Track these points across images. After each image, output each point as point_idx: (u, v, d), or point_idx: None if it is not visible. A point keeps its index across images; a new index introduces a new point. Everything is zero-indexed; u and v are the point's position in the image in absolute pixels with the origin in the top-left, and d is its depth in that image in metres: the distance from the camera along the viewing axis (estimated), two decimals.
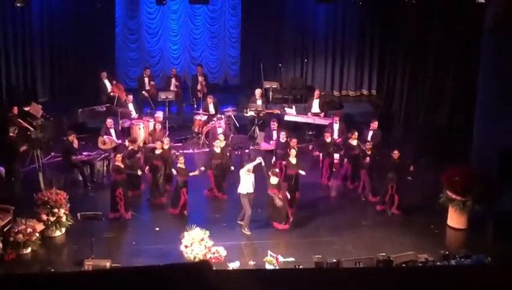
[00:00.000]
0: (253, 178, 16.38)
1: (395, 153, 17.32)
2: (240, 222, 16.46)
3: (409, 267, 13.13)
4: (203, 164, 18.16)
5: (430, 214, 17.21)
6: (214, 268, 6.02)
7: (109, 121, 20.02)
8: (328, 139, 19.31)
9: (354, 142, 18.91)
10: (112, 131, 19.92)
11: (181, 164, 17.04)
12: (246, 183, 16.28)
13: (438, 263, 13.49)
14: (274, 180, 16.36)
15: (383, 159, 17.90)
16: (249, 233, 16.27)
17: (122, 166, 16.86)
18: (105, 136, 19.75)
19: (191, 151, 19.74)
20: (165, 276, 5.67)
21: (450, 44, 20.27)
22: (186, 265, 11.92)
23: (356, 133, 19.06)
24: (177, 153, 17.98)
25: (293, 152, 17.36)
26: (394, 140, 21.32)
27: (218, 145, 18.06)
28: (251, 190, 16.31)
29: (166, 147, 18.27)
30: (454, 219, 16.81)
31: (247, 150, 19.79)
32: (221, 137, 18.75)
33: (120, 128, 20.66)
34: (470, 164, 17.64)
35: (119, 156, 16.97)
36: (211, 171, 17.90)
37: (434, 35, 20.98)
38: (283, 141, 18.92)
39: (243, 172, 16.39)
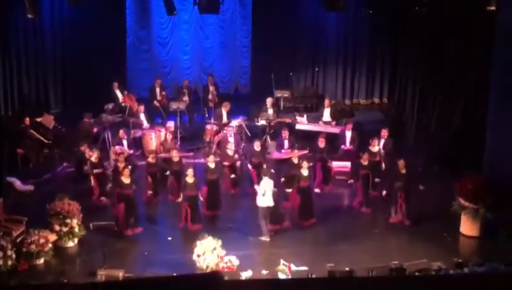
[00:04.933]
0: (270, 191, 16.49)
1: (400, 162, 17.25)
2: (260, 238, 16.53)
3: (422, 275, 13.10)
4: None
5: (443, 221, 17.14)
6: (226, 278, 6.04)
7: (121, 132, 20.11)
8: (322, 145, 19.31)
9: (376, 149, 18.98)
10: (124, 142, 20.00)
11: (190, 177, 16.97)
12: (261, 196, 16.45)
13: (451, 271, 13.40)
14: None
15: (393, 169, 17.80)
16: (268, 239, 16.39)
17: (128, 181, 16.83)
18: (117, 147, 19.83)
19: (202, 160, 19.71)
20: (177, 286, 5.69)
21: (462, 51, 20.20)
22: (199, 275, 11.97)
23: (376, 140, 19.07)
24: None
25: (304, 164, 17.33)
26: (406, 148, 21.26)
27: (213, 160, 17.92)
28: (268, 204, 16.46)
29: (176, 159, 18.35)
30: (467, 227, 16.74)
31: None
32: (231, 146, 18.82)
33: (132, 138, 20.72)
34: (482, 171, 17.56)
35: (126, 171, 16.92)
36: (205, 187, 17.58)
37: (446, 42, 20.93)
38: (258, 150, 19.00)
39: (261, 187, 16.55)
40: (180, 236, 16.70)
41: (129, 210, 16.57)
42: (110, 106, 22.61)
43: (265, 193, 16.44)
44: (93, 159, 18.29)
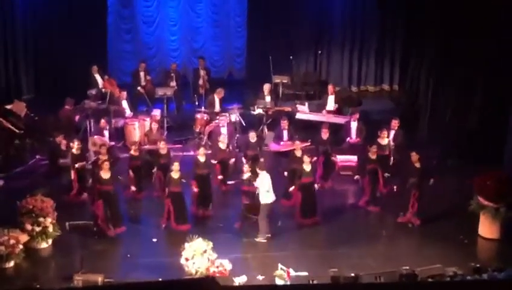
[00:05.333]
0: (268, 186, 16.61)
1: (413, 155, 17.30)
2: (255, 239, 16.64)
3: (435, 282, 13.15)
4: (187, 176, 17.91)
5: (459, 222, 17.20)
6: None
7: (103, 121, 20.14)
8: (325, 136, 19.39)
9: (385, 141, 19.04)
10: (106, 133, 20.03)
11: (175, 172, 16.98)
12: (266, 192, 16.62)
13: (468, 277, 13.46)
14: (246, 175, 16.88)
15: (405, 163, 17.85)
16: (265, 240, 16.53)
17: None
18: (95, 136, 19.85)
19: (192, 153, 19.77)
20: None
21: (480, 33, 20.23)
22: (189, 281, 11.99)
23: (386, 132, 19.12)
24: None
25: (306, 159, 17.39)
26: (418, 141, 21.31)
27: (203, 153, 17.99)
28: (272, 199, 16.66)
29: (163, 152, 18.40)
30: (486, 228, 16.80)
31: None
32: (223, 138, 18.87)
33: (113, 128, 20.75)
34: (502, 166, 17.62)
35: (106, 164, 16.93)
36: (194, 183, 17.66)
37: (463, 24, 20.94)
38: (253, 141, 19.10)
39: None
40: (167, 237, 16.73)
41: (109, 208, 16.59)
42: (94, 91, 22.62)
43: (268, 189, 16.57)
44: (74, 150, 18.24)
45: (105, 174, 16.74)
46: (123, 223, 16.88)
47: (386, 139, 19.15)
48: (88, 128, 21.12)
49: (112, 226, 16.58)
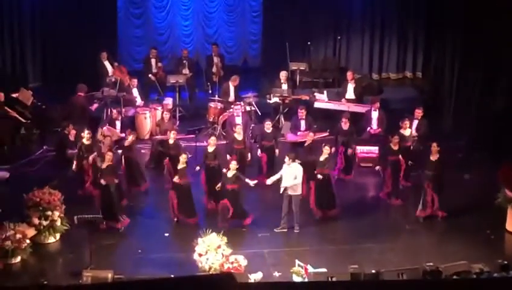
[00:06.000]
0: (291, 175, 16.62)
1: (434, 146, 17.21)
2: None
3: (461, 279, 13.09)
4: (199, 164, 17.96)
5: (486, 217, 17.15)
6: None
7: (115, 112, 20.13)
8: (346, 126, 19.35)
9: (407, 132, 18.99)
10: (118, 123, 20.02)
11: (181, 163, 16.96)
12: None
13: (495, 275, 13.40)
14: (231, 173, 16.71)
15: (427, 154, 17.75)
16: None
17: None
18: (105, 127, 19.84)
19: (205, 144, 19.77)
20: None
21: (507, 16, 20.08)
22: (204, 278, 11.98)
23: (408, 122, 19.05)
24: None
25: (326, 149, 17.31)
26: (443, 131, 21.22)
27: (213, 143, 17.93)
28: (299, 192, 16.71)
29: (171, 141, 18.42)
30: None
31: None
32: (239, 129, 18.83)
33: (125, 118, 20.72)
34: None
35: (109, 155, 16.89)
36: (203, 175, 17.73)
37: (488, 6, 20.79)
38: (268, 132, 19.08)
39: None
40: (179, 232, 16.74)
41: (108, 200, 16.61)
42: (113, 78, 22.59)
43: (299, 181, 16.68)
44: (84, 140, 18.16)
45: (106, 165, 16.74)
46: (132, 217, 16.88)
47: (409, 129, 19.05)
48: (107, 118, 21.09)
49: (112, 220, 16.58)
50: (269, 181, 17.01)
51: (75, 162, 18.02)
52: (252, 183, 16.88)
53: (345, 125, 19.40)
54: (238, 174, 16.73)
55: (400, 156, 18.04)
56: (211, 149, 17.83)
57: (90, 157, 17.83)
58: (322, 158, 17.32)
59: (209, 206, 17.63)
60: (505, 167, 16.80)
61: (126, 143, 18.46)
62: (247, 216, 16.84)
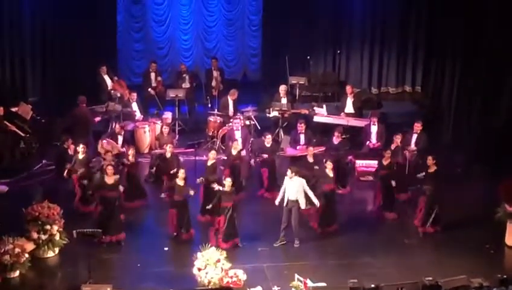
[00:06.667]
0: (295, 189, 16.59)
1: (429, 160, 17.23)
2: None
3: None
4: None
5: (485, 231, 17.15)
6: None
7: (118, 127, 20.15)
8: (336, 141, 19.47)
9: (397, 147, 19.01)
10: (120, 138, 20.04)
11: (180, 179, 16.89)
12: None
13: (495, 289, 13.41)
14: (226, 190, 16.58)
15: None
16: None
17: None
18: (104, 140, 19.86)
19: (204, 158, 19.79)
20: None
21: (507, 31, 20.16)
22: None
23: (400, 136, 19.18)
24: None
25: (329, 164, 17.33)
26: (442, 145, 21.25)
27: (212, 157, 17.94)
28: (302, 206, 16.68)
29: (168, 155, 18.49)
30: None
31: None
32: (236, 144, 18.89)
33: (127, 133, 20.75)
34: None
35: (110, 169, 16.87)
36: (202, 188, 17.67)
37: (488, 22, 20.87)
38: (268, 146, 19.16)
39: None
40: (178, 246, 16.72)
41: (110, 215, 16.61)
42: (118, 93, 22.63)
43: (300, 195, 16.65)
44: (79, 155, 18.24)
45: (109, 180, 16.75)
46: (131, 232, 16.87)
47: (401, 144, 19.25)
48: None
49: (111, 234, 16.57)
50: (277, 202, 16.90)
51: (65, 171, 18.16)
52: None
53: (336, 139, 19.48)
54: (232, 190, 16.71)
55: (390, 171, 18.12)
56: (209, 163, 17.85)
57: (79, 172, 18.00)
58: (330, 173, 17.31)
59: (203, 220, 17.60)
60: (506, 182, 16.81)
61: (130, 158, 18.48)
62: (237, 236, 16.77)
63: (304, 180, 16.71)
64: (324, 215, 17.28)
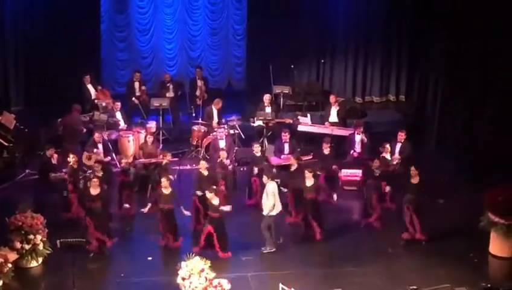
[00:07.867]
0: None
1: (412, 170, 17.26)
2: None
3: None
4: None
5: (469, 240, 17.19)
6: None
7: (97, 135, 20.10)
8: (326, 151, 19.53)
9: (388, 156, 19.21)
10: (100, 146, 20.01)
11: (165, 188, 16.86)
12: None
13: None
14: (216, 201, 16.44)
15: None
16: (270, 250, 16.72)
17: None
18: (96, 150, 19.83)
19: (188, 167, 19.80)
20: None
21: (490, 42, 20.28)
22: None
23: (388, 146, 19.23)
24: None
25: (308, 173, 17.36)
26: (427, 154, 21.33)
27: (205, 167, 17.88)
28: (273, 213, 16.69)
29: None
30: (497, 246, 16.78)
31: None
32: (223, 154, 18.92)
33: (108, 141, 20.69)
34: None
35: (95, 180, 16.87)
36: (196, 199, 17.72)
37: (472, 32, 20.98)
38: (258, 155, 19.25)
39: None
40: (162, 255, 16.74)
41: (98, 225, 16.59)
42: (104, 103, 22.59)
43: (275, 200, 16.67)
44: (72, 164, 18.27)
45: (93, 191, 16.73)
46: (112, 238, 16.87)
47: (388, 154, 19.29)
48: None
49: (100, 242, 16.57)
50: (274, 212, 16.87)
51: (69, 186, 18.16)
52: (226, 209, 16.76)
53: (325, 150, 19.56)
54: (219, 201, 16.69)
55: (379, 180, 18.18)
56: (206, 173, 17.82)
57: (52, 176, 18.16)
58: (308, 183, 17.36)
59: (197, 228, 17.56)
60: (490, 191, 16.87)
61: (123, 165, 18.57)
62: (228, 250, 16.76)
63: (275, 184, 16.78)
64: (307, 223, 17.36)
